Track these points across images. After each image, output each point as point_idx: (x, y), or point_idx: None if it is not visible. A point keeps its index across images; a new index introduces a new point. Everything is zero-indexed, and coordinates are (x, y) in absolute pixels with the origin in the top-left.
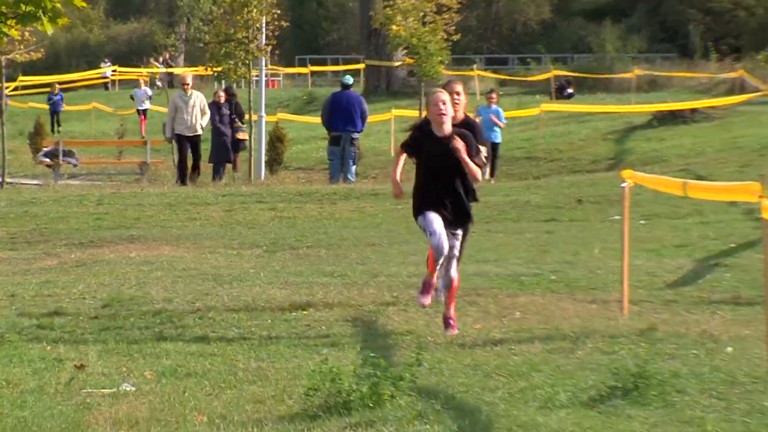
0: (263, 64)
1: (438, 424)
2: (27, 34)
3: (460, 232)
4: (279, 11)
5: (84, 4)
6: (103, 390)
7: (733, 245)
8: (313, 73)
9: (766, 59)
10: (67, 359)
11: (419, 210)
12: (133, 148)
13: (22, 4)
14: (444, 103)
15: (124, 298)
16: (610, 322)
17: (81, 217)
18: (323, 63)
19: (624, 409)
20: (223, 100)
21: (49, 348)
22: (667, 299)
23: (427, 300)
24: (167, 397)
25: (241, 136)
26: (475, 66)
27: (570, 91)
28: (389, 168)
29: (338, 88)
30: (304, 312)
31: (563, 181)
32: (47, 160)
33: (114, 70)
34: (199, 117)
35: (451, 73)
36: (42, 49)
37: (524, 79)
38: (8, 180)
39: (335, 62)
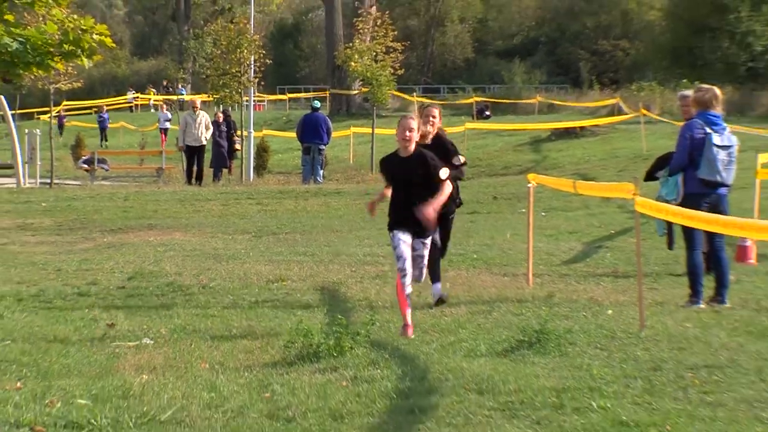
0: (252, 92)
1: (386, 369)
2: (69, 68)
3: (428, 240)
4: (264, 52)
5: (113, 45)
6: (128, 343)
7: (612, 232)
8: (290, 99)
9: (638, 89)
10: (100, 319)
11: (390, 227)
12: (151, 156)
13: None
14: (411, 130)
15: (145, 272)
16: (518, 290)
17: (111, 209)
18: (298, 91)
19: (529, 357)
20: (221, 119)
21: (86, 310)
22: (562, 273)
23: (409, 332)
24: (178, 348)
25: (237, 146)
26: (414, 93)
27: (488, 113)
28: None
29: (309, 111)
30: (284, 283)
31: (483, 182)
32: (85, 166)
33: (136, 97)
34: (204, 131)
35: (397, 95)
36: (81, 80)
37: (452, 103)
38: (55, 181)
39: (307, 90)
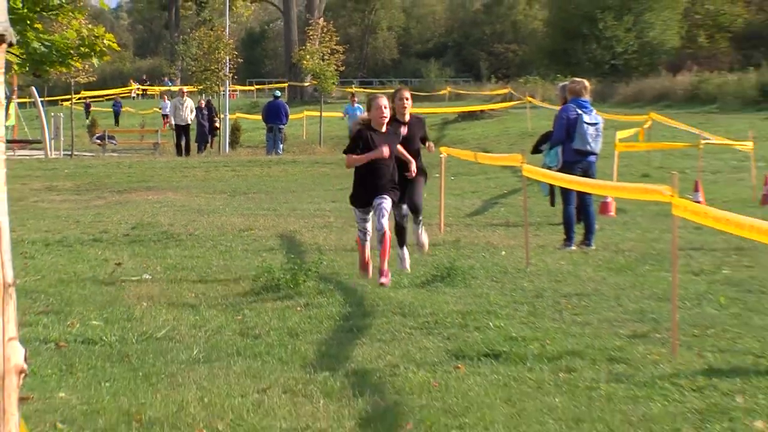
0: (227, 84)
1: (331, 298)
2: (86, 66)
3: (389, 196)
4: (236, 53)
5: (119, 48)
6: (132, 278)
7: (505, 191)
8: (257, 89)
9: (525, 81)
10: (110, 259)
11: (355, 203)
12: (149, 134)
13: (82, 48)
14: (385, 108)
15: (145, 223)
16: (433, 236)
17: (118, 175)
18: (263, 83)
19: (441, 288)
20: (203, 105)
21: (99, 252)
22: (467, 223)
23: (369, 275)
24: (170, 282)
25: (216, 126)
26: (352, 85)
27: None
28: (353, 162)
29: (271, 99)
30: (252, 231)
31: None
32: (98, 141)
33: (136, 88)
34: (189, 114)
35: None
36: (95, 75)
37: (382, 92)
38: (75, 153)
39: (270, 83)
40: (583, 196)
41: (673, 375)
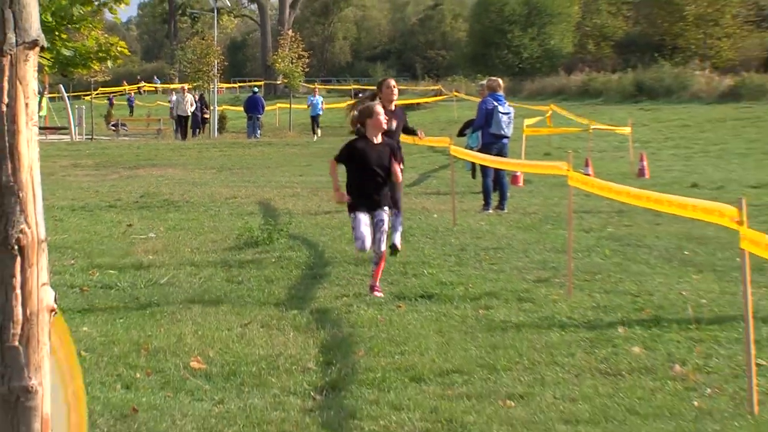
0: (216, 82)
1: (299, 251)
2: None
3: (387, 210)
4: (222, 57)
5: (129, 53)
6: (140, 236)
7: (437, 167)
8: (239, 86)
9: (452, 80)
10: (123, 221)
11: (351, 208)
12: (153, 122)
13: (100, 53)
14: (386, 118)
15: (150, 192)
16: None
17: (129, 155)
18: (244, 81)
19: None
20: (197, 99)
21: (114, 216)
22: (406, 192)
23: (379, 293)
24: (171, 239)
25: (206, 116)
26: (315, 83)
27: (360, 95)
28: (331, 173)
29: (251, 94)
30: (235, 199)
31: (345, 139)
32: (113, 128)
33: (143, 85)
34: (189, 106)
35: (305, 86)
36: (110, 75)
37: (338, 88)
38: (94, 137)
39: (249, 81)
40: (498, 171)
41: (569, 311)
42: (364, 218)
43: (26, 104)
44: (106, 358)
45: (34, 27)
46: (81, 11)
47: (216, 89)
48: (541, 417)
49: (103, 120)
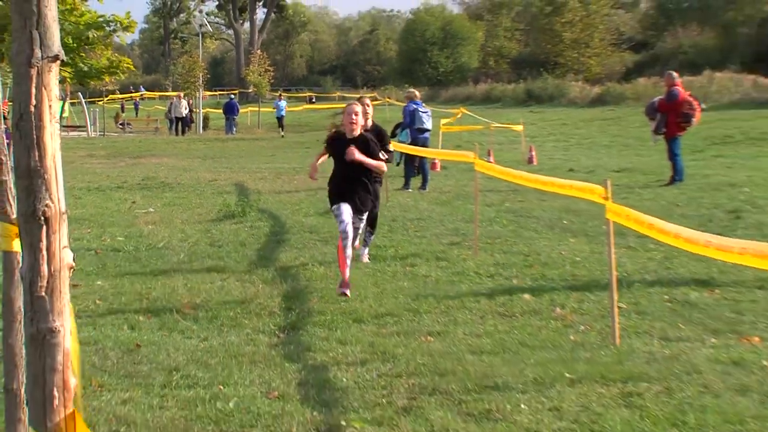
0: (201, 91)
1: (267, 222)
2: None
3: (365, 216)
4: (206, 71)
5: (133, 68)
6: (142, 210)
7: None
8: (219, 94)
9: (384, 90)
10: (128, 199)
11: (332, 200)
12: (152, 122)
13: (110, 68)
14: (356, 114)
15: (150, 176)
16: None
17: (132, 147)
18: (223, 90)
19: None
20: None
21: (122, 195)
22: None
23: (347, 291)
24: (166, 213)
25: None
26: (279, 91)
27: (313, 101)
28: (311, 165)
29: (228, 99)
30: (216, 181)
31: (309, 134)
32: (120, 126)
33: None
34: (183, 110)
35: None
36: (118, 85)
37: (297, 95)
38: (106, 134)
39: (228, 89)
40: (421, 159)
41: (475, 267)
42: (345, 207)
43: (50, 106)
44: (115, 306)
45: (55, 44)
46: (95, 35)
47: (201, 96)
48: (454, 349)
49: (112, 120)
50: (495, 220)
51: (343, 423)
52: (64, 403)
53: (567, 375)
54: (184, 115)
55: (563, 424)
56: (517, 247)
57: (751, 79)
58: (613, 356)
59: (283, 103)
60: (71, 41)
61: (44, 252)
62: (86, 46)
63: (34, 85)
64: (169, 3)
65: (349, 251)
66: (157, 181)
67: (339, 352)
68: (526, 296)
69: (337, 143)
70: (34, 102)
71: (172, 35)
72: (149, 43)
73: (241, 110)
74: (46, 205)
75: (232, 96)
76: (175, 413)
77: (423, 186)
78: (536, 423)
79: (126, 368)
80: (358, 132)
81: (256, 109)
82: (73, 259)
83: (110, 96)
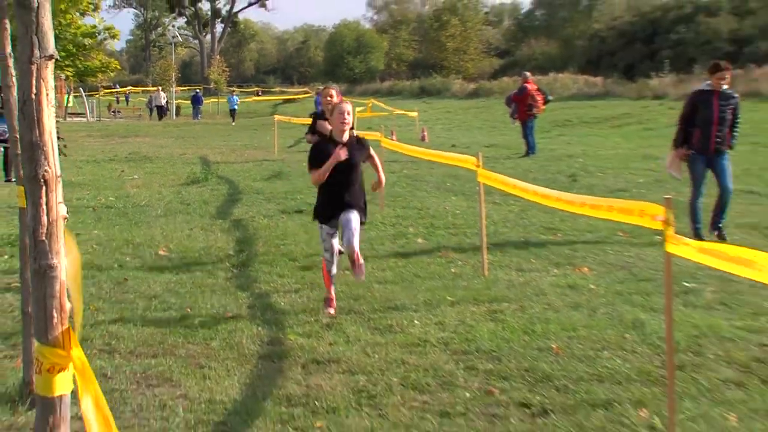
0: (173, 86)
1: (224, 185)
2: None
3: (357, 214)
4: (178, 71)
5: (120, 68)
6: (129, 177)
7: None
8: (188, 89)
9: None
10: (118, 168)
11: (320, 217)
12: (136, 111)
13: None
14: (349, 114)
15: (134, 151)
16: (267, 155)
17: (121, 129)
18: (191, 86)
19: (276, 181)
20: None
21: (113, 166)
22: (287, 152)
23: (331, 310)
24: (147, 179)
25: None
26: (234, 87)
27: (260, 94)
28: (317, 177)
29: (195, 93)
30: (185, 155)
31: (257, 120)
32: (112, 113)
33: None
34: (162, 101)
35: (227, 89)
36: (110, 82)
37: (246, 90)
38: (101, 119)
39: (195, 86)
40: None
41: (381, 219)
42: (331, 234)
43: (47, 93)
44: (108, 249)
45: (50, 46)
46: (89, 42)
47: (174, 90)
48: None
49: (106, 108)
50: (397, 183)
51: (281, 336)
52: (60, 322)
53: (448, 298)
54: (163, 104)
55: (445, 334)
56: (412, 204)
57: (584, 79)
58: (482, 284)
59: (235, 98)
60: (72, 47)
61: (44, 206)
62: (83, 51)
63: (34, 78)
64: (148, 19)
65: (335, 270)
66: (140, 155)
67: (278, 283)
68: (420, 240)
69: (325, 150)
70: (35, 91)
71: (152, 44)
72: (134, 50)
73: (204, 101)
74: (45, 171)
75: (198, 90)
76: (154, 330)
77: None
78: (425, 334)
79: (116, 296)
80: (346, 136)
81: (216, 100)
82: (66, 212)
83: (106, 90)
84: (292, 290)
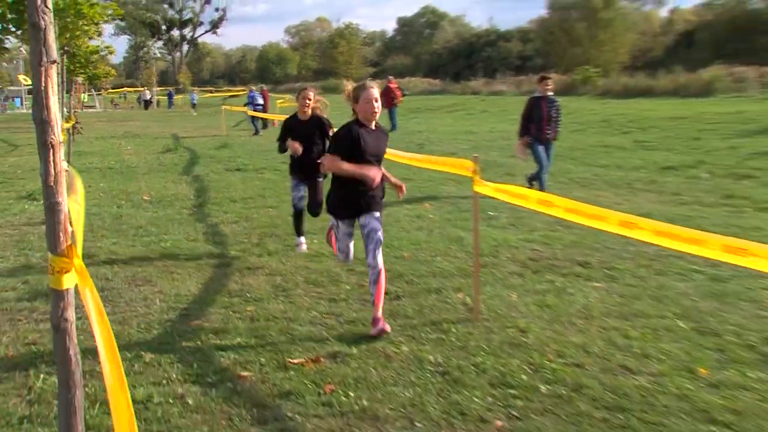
0: (155, 87)
1: (188, 152)
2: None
3: (378, 213)
4: (158, 77)
5: (116, 75)
6: (125, 148)
7: (240, 121)
8: (166, 89)
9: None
10: (117, 142)
11: (336, 213)
12: (130, 103)
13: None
14: (377, 100)
15: (128, 131)
16: (243, 138)
17: (120, 116)
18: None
19: (253, 174)
20: (149, 92)
21: (114, 141)
22: (241, 128)
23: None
24: (137, 149)
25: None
26: (195, 87)
27: (213, 92)
28: (337, 168)
29: (169, 91)
30: (163, 132)
31: (208, 110)
32: (114, 105)
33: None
34: (148, 96)
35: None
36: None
37: (204, 89)
38: (106, 110)
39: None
40: (264, 120)
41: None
42: (346, 232)
43: (52, 86)
44: (109, 196)
45: (54, 53)
46: (95, 57)
47: (155, 90)
48: (283, 213)
49: (110, 102)
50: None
51: (225, 251)
52: (65, 240)
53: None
54: (148, 99)
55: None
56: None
57: (427, 81)
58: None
59: (195, 95)
60: (84, 61)
61: (51, 162)
62: (92, 63)
63: (43, 77)
64: (138, 42)
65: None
66: (132, 133)
67: (224, 217)
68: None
69: (357, 139)
70: (44, 85)
71: (140, 59)
72: (128, 63)
73: (175, 96)
74: (52, 138)
75: (171, 89)
76: (140, 248)
77: (256, 132)
78: (321, 248)
79: (115, 227)
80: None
81: (183, 96)
82: (67, 167)
83: (107, 91)
84: (233, 221)
